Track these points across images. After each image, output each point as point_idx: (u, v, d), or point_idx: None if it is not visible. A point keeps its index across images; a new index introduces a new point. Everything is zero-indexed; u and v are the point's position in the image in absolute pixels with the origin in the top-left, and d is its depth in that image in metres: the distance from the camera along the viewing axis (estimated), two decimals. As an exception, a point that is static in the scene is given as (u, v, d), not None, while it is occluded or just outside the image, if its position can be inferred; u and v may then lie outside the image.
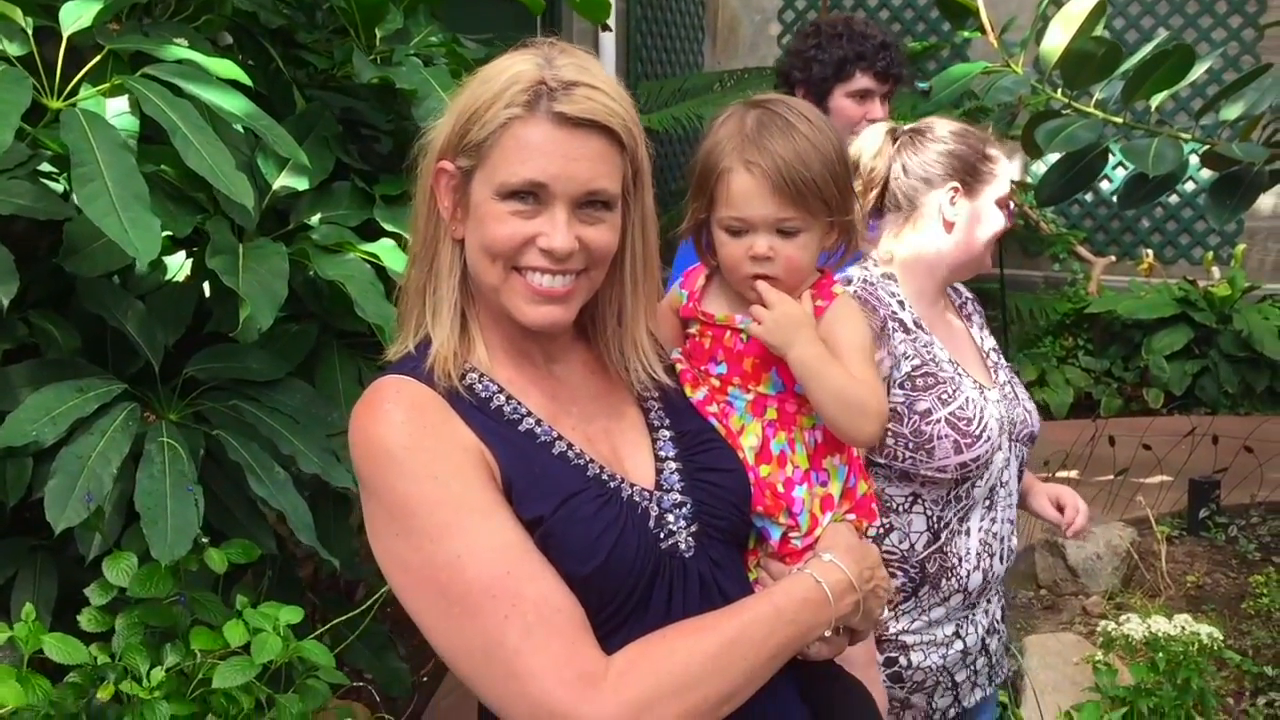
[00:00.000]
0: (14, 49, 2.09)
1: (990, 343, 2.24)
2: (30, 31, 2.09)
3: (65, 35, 2.12)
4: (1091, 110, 3.54)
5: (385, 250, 2.37)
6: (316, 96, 2.57)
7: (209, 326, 2.38)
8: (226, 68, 2.18)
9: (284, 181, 2.41)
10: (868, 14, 7.44)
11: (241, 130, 2.31)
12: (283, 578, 2.51)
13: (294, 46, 2.57)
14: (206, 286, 2.46)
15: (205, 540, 2.03)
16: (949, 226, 2.07)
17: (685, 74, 7.20)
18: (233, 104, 2.13)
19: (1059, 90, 4.02)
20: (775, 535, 1.52)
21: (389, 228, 2.47)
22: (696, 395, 1.55)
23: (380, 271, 2.33)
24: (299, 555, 2.81)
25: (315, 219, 2.44)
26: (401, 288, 1.44)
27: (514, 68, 1.32)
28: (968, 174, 2.08)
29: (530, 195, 1.31)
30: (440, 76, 2.60)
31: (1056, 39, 3.39)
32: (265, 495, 2.14)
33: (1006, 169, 2.12)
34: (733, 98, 3.03)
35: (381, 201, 2.51)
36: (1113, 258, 7.79)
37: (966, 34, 4.38)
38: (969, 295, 2.32)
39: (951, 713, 2.09)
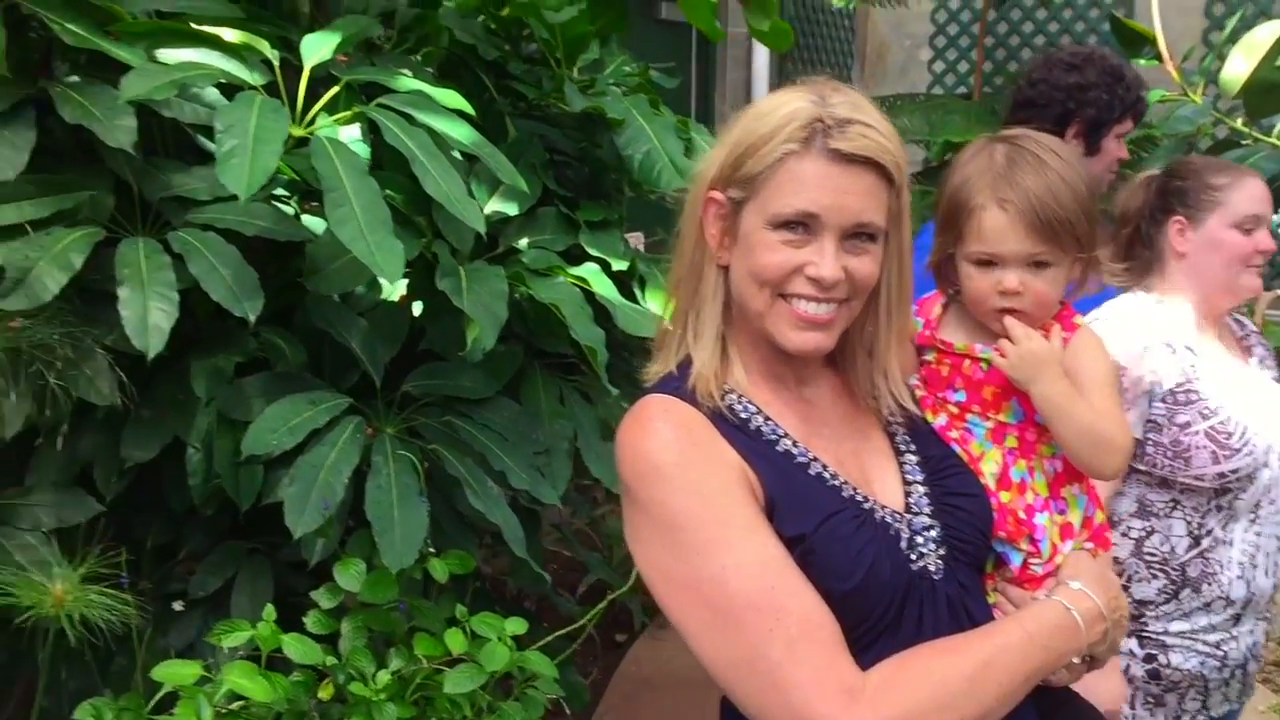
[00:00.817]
0: (257, 78, 2.22)
1: (1272, 374, 2.29)
2: (276, 63, 2.22)
3: (307, 67, 2.25)
4: (1275, 140, 3.44)
5: (592, 274, 2.44)
6: (523, 124, 2.66)
7: (424, 344, 2.49)
8: (452, 98, 2.28)
9: (495, 206, 2.51)
10: (1023, 40, 7.33)
11: (459, 156, 2.41)
12: (479, 590, 2.59)
13: (505, 77, 2.68)
14: (416, 306, 2.57)
15: (431, 550, 2.12)
16: (1183, 256, 2.13)
17: (835, 100, 7.19)
18: (458, 132, 2.23)
19: (1240, 120, 3.91)
20: (1016, 561, 1.53)
21: (593, 252, 2.54)
22: (936, 421, 1.58)
23: (588, 295, 2.40)
24: (491, 570, 2.90)
25: (524, 243, 2.53)
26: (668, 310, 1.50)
27: (790, 105, 1.37)
28: (1189, 205, 2.12)
29: (801, 225, 1.36)
30: (639, 105, 2.67)
31: (1239, 68, 3.31)
32: (482, 509, 2.22)
33: (1237, 193, 2.13)
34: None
35: (585, 227, 2.59)
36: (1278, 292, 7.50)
37: (1144, 62, 4.30)
38: (1254, 329, 2.36)
39: (1200, 719, 2.19)
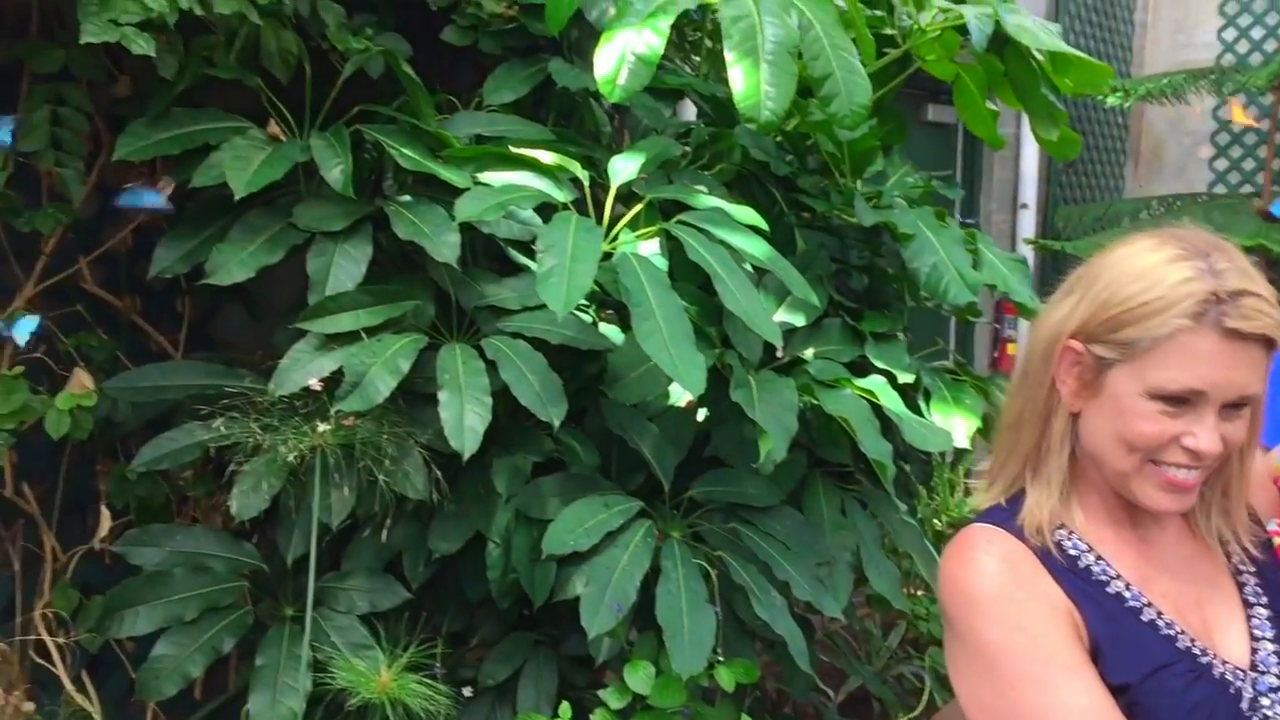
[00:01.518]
0: (567, 196, 2.37)
1: None
2: (586, 183, 2.36)
3: (614, 187, 2.38)
4: None
5: (879, 388, 2.44)
6: (809, 236, 2.72)
7: (709, 451, 2.55)
8: (748, 214, 2.36)
9: (782, 317, 2.56)
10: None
11: (750, 268, 2.49)
12: (757, 699, 2.59)
13: (794, 190, 2.75)
14: (700, 411, 2.64)
15: (718, 658, 2.15)
16: None
17: (1108, 199, 6.96)
18: (754, 247, 2.30)
19: None
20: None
21: (879, 364, 2.55)
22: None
23: (875, 407, 2.41)
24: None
25: (809, 353, 2.56)
26: (997, 438, 1.49)
27: (1179, 273, 1.32)
28: None
29: (1183, 400, 1.33)
30: (926, 218, 2.68)
31: None
32: (767, 619, 2.24)
33: None
34: (1160, 225, 2.89)
35: (870, 338, 2.60)
36: None
37: None
38: None
39: None
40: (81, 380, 2.44)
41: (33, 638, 2.51)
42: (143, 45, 2.12)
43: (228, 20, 2.31)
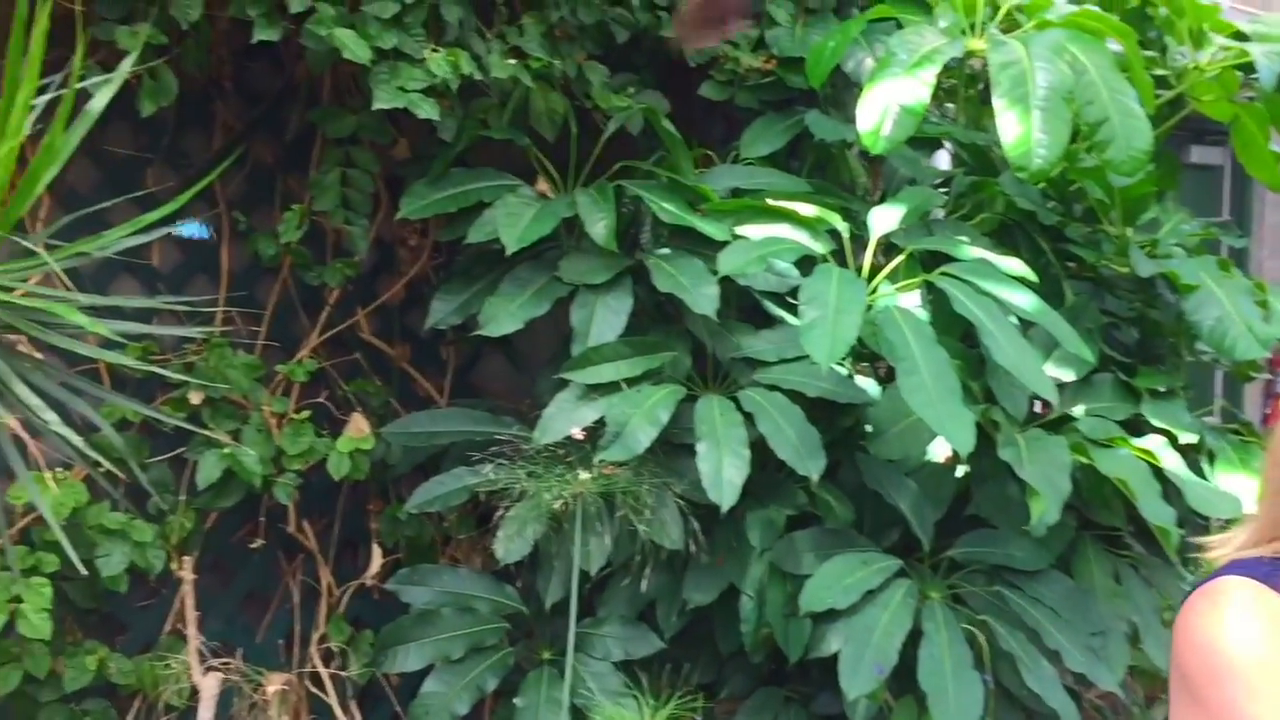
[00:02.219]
0: (823, 247, 2.35)
1: None
2: (846, 235, 2.34)
3: (874, 239, 2.35)
4: None
5: (1159, 448, 2.30)
6: (1078, 287, 2.60)
7: (969, 510, 2.46)
8: (1015, 265, 2.28)
9: (1051, 371, 2.44)
10: None
11: (1016, 320, 2.40)
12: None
13: (1061, 240, 2.64)
14: (959, 468, 2.55)
15: (987, 728, 2.06)
16: None
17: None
18: (1022, 300, 2.21)
19: None
20: None
21: (1157, 423, 2.40)
22: None
23: (1154, 469, 2.26)
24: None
25: (1079, 410, 2.44)
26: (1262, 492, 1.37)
27: None
28: None
29: None
30: (1209, 268, 2.52)
31: None
32: (1038, 690, 2.13)
33: None
34: None
35: (1148, 395, 2.46)
36: None
37: None
38: None
39: None
40: (359, 425, 2.59)
41: (308, 669, 2.66)
42: (427, 110, 2.25)
43: (502, 83, 2.43)
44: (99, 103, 1.83)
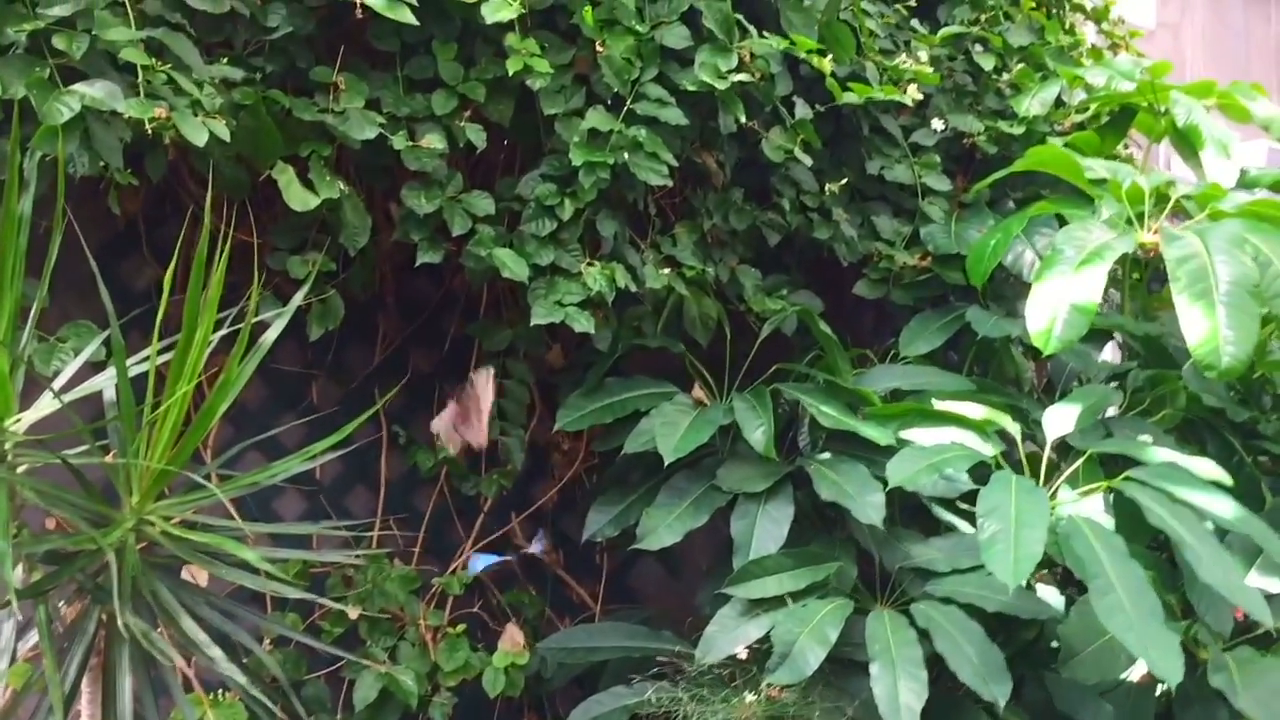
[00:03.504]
0: (994, 449, 2.23)
1: None
2: (1019, 438, 2.23)
3: (1050, 442, 2.23)
4: None
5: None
6: (1277, 488, 2.41)
7: (1172, 735, 2.24)
8: (1208, 467, 2.12)
9: (1255, 582, 2.25)
10: None
11: (1210, 526, 2.22)
12: None
13: (1254, 437, 2.47)
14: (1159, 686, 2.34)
15: None
16: None
17: None
18: (1220, 506, 2.05)
19: None
20: None
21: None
22: None
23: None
24: None
25: (1292, 622, 2.22)
26: None
27: None
28: None
29: None
30: None
31: None
32: None
33: None
34: None
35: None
36: None
37: None
38: None
39: None
40: (514, 637, 2.53)
41: None
42: (583, 323, 2.25)
43: (655, 292, 2.43)
44: (272, 334, 1.88)
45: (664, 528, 2.31)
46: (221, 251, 1.74)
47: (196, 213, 2.28)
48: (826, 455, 2.41)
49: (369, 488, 2.64)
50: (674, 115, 2.30)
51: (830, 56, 2.42)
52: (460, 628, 2.51)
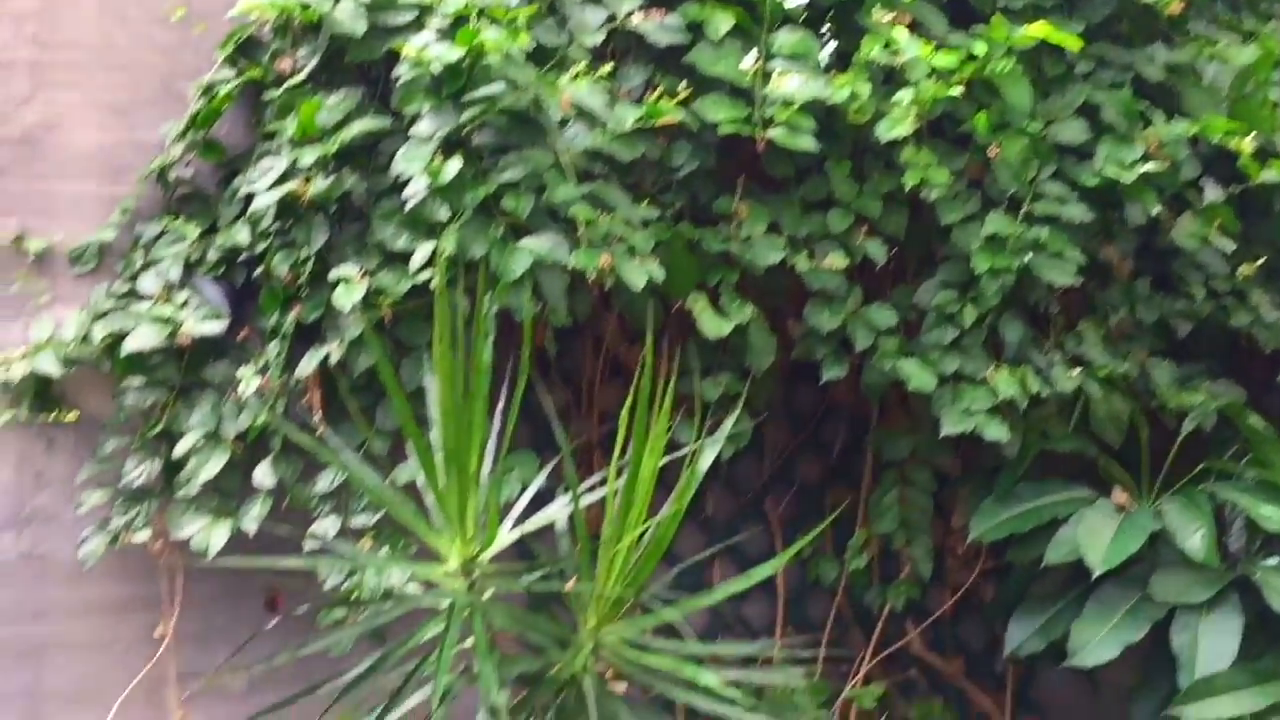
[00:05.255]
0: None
1: None
2: None
3: None
4: None
5: None
6: None
7: None
8: None
9: None
10: None
11: None
12: None
13: None
14: None
15: None
16: None
17: None
18: None
19: None
20: None
21: None
22: None
23: None
24: None
25: None
26: None
27: None
28: None
29: None
30: None
31: None
32: None
33: None
34: None
35: None
36: None
37: None
38: None
39: None
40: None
41: None
42: (995, 431, 2.20)
43: (1061, 393, 2.34)
44: (704, 464, 1.93)
45: (1097, 642, 2.19)
46: (664, 394, 1.82)
47: (605, 342, 2.42)
48: (1273, 561, 2.22)
49: (767, 597, 2.66)
50: (1077, 212, 2.23)
51: (1250, 135, 2.27)
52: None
